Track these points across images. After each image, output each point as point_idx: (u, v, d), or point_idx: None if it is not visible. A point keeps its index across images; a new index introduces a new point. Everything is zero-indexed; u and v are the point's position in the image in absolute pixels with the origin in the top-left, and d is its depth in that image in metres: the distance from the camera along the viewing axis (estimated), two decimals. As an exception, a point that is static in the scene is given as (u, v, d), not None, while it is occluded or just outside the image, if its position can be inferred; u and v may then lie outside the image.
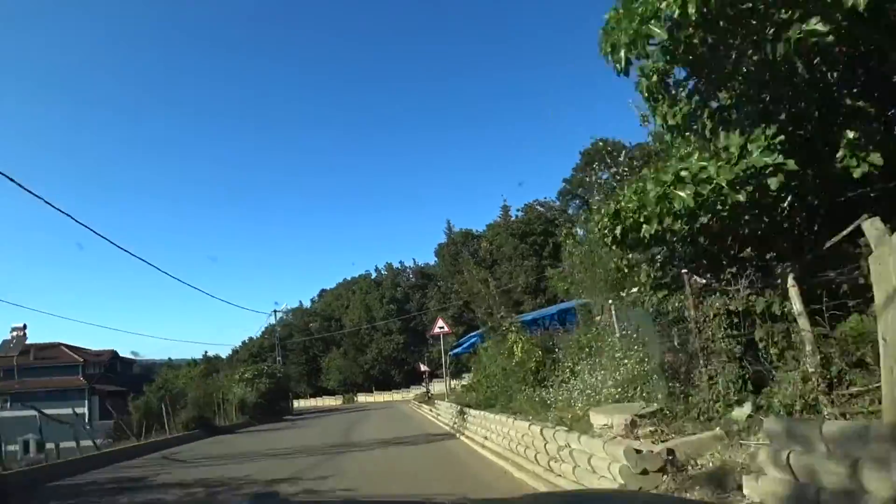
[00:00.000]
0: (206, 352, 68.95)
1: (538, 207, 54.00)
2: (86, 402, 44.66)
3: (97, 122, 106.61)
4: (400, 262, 65.35)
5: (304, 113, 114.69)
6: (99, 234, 21.70)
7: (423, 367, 30.31)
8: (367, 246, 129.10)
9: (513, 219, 54.61)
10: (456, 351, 24.37)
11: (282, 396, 39.97)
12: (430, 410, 20.87)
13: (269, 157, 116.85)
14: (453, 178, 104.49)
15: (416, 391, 58.26)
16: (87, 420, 44.77)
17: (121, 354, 52.39)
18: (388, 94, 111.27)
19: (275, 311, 42.52)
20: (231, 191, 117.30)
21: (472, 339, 22.17)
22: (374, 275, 66.99)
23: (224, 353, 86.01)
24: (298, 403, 79.35)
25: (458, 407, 14.53)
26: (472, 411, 12.61)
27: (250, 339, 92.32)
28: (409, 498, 4.39)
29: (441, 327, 19.85)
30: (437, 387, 56.84)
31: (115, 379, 48.41)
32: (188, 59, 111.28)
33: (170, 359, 63.04)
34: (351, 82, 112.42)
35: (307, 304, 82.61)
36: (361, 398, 65.25)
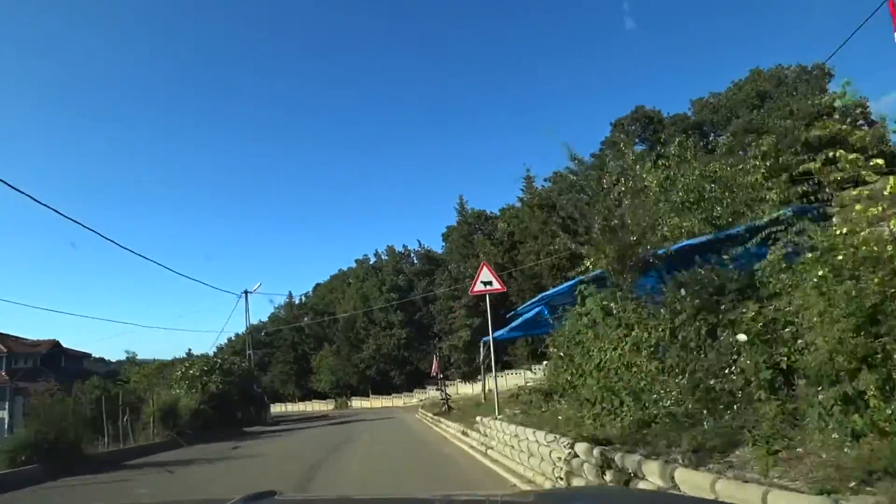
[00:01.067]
0: (189, 349, 59.34)
1: (571, 175, 44.93)
2: (6, 403, 35.67)
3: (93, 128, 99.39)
4: (403, 245, 56.32)
5: (303, 110, 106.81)
6: (79, 224, 13.31)
7: (434, 367, 20.93)
8: (370, 242, 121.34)
9: (537, 189, 45.55)
10: (500, 334, 15.37)
11: (250, 401, 31.01)
12: (465, 434, 11.84)
13: (267, 161, 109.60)
14: (461, 160, 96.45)
15: (420, 396, 49.17)
16: (6, 426, 35.89)
17: (64, 345, 43.26)
18: (391, 85, 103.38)
19: (246, 293, 33.52)
20: (229, 189, 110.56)
21: (535, 310, 13.24)
22: (373, 260, 57.95)
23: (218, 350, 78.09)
24: (285, 408, 70.22)
25: (589, 448, 5.43)
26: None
27: (236, 335, 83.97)
28: (406, 497, 3.62)
29: (487, 281, 10.90)
30: (432, 391, 47.67)
31: (52, 375, 39.27)
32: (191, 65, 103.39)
33: (134, 353, 53.85)
34: (353, 76, 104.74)
35: (301, 298, 73.94)
36: (356, 403, 56.09)
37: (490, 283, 11.09)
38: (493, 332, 18.43)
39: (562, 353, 9.66)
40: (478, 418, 11.04)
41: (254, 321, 79.38)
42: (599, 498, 1.88)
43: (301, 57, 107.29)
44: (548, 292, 12.55)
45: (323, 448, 13.08)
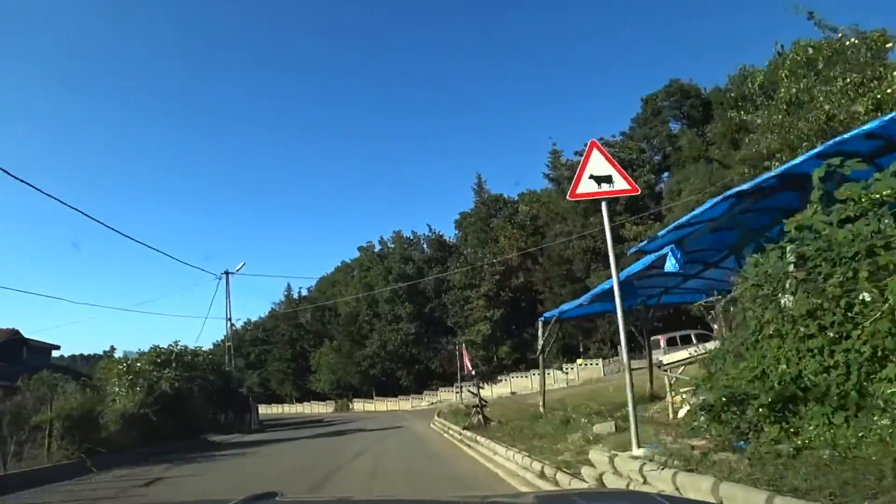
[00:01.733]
0: (177, 341, 53.61)
1: (605, 148, 39.15)
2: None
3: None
4: (412, 231, 50.63)
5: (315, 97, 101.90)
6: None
7: (465, 362, 14.50)
8: (376, 235, 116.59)
9: (568, 161, 39.81)
10: (572, 306, 9.63)
11: (228, 402, 25.61)
12: (554, 481, 6.02)
13: (268, 153, 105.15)
14: (473, 150, 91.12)
15: (430, 399, 43.18)
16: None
17: (26, 335, 37.85)
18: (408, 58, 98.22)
19: (227, 273, 28.13)
20: (230, 182, 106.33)
21: (664, 250, 7.39)
22: (378, 248, 52.28)
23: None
24: (281, 409, 64.58)
25: None
26: None
27: (234, 330, 79.01)
28: (408, 498, 3.88)
29: (602, 177, 5.25)
30: (444, 393, 41.26)
31: (6, 370, 33.91)
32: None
33: (112, 346, 49.07)
34: (357, 66, 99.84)
35: (300, 291, 68.63)
36: (358, 405, 50.53)
37: (607, 179, 5.44)
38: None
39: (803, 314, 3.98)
40: (597, 455, 5.33)
41: (253, 317, 74.44)
42: (597, 499, 1.93)
43: (304, 49, 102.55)
44: (704, 207, 6.82)
45: (295, 485, 7.55)
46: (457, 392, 25.30)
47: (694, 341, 28.20)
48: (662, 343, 29.38)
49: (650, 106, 49.85)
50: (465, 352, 14.36)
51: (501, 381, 36.36)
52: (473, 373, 14.07)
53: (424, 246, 49.43)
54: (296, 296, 66.39)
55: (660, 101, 49.92)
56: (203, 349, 22.19)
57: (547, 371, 36.06)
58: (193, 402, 19.03)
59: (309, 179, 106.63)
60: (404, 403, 44.23)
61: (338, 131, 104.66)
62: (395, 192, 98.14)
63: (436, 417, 19.93)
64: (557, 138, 50.88)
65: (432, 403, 39.79)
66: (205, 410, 21.37)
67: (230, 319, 27.85)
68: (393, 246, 50.32)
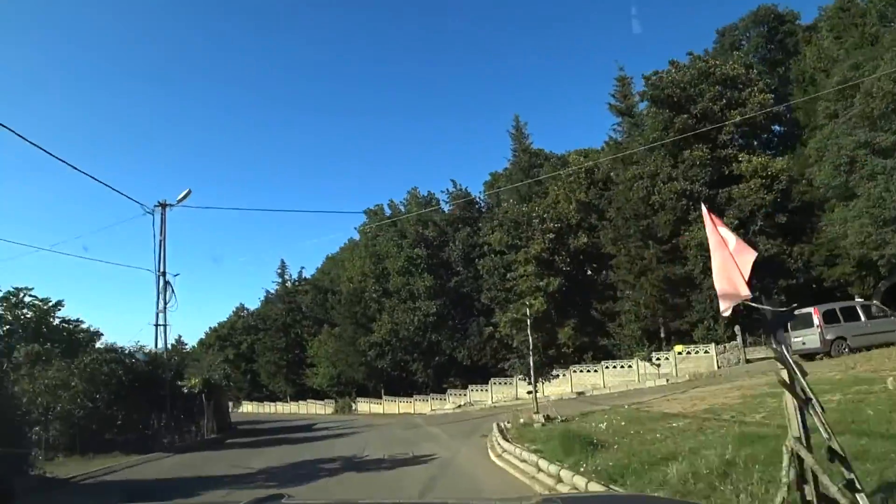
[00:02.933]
0: (178, 336, 42.65)
1: (700, 63, 28.87)
2: None
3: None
4: (428, 191, 40.46)
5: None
6: None
7: (738, 275, 3.99)
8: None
9: (639, 90, 29.54)
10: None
11: (156, 402, 16.26)
12: None
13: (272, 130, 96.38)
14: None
15: (457, 400, 32.13)
16: None
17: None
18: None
19: (162, 205, 18.59)
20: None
21: None
22: (388, 212, 42.41)
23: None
24: (274, 408, 54.83)
25: None
26: None
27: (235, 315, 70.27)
28: (412, 500, 3.72)
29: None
30: (477, 392, 31.05)
31: None
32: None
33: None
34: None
35: (301, 271, 59.37)
36: (362, 406, 40.77)
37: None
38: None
39: None
40: None
41: (250, 306, 65.45)
42: (590, 501, 2.11)
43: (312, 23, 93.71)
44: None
45: None
46: (530, 389, 15.09)
47: (862, 317, 19.10)
48: (816, 319, 19.68)
49: (727, 38, 40.26)
50: (740, 265, 4.07)
51: (558, 376, 26.29)
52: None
53: (446, 209, 39.45)
54: (291, 274, 57.01)
55: (740, 33, 40.54)
56: (42, 298, 12.45)
57: (627, 364, 26.07)
58: (17, 402, 9.39)
59: (314, 160, 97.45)
60: (421, 405, 34.36)
61: (338, 121, 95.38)
62: (403, 179, 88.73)
63: (499, 439, 10.08)
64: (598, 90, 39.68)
65: (459, 406, 29.92)
66: (81, 416, 11.80)
67: (164, 274, 18.20)
68: (407, 207, 40.44)
